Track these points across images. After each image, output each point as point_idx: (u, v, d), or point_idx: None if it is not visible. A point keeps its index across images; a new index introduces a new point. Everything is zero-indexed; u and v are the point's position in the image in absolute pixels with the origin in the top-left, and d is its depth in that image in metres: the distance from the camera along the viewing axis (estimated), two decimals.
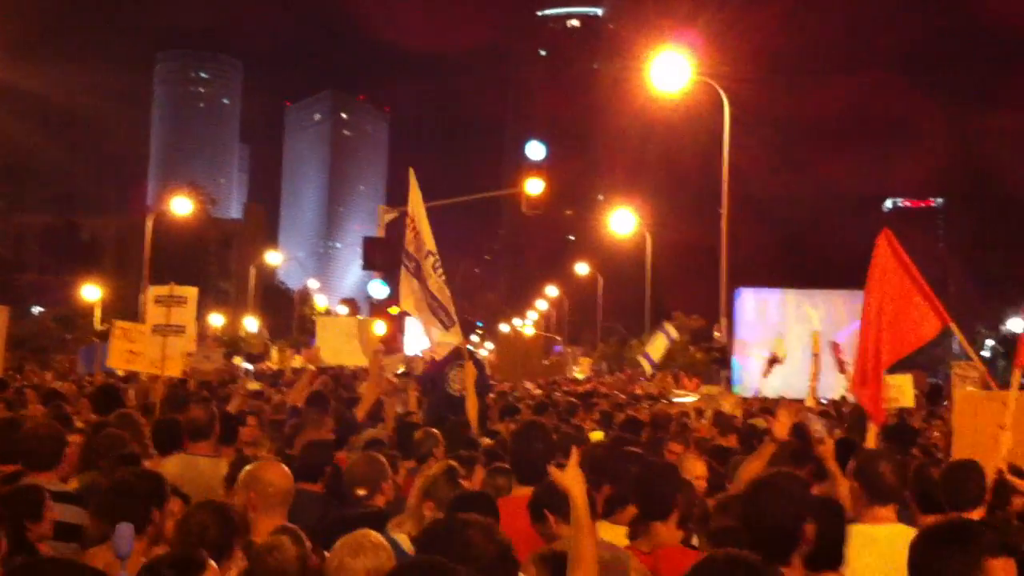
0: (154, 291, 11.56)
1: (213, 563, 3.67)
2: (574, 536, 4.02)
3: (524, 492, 5.39)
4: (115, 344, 11.46)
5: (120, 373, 17.37)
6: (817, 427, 6.35)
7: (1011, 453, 6.25)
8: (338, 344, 13.59)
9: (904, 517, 5.40)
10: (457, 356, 10.03)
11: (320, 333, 14.43)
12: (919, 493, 5.72)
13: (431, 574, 2.94)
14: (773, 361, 20.06)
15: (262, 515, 4.96)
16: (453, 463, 5.82)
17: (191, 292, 11.53)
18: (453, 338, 9.94)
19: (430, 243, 10.08)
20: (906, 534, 4.71)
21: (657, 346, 27.66)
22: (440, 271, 9.98)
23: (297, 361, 29.63)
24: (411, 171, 11.03)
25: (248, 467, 5.29)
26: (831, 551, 4.23)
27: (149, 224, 48.71)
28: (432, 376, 10.83)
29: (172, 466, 7.01)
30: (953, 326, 7.74)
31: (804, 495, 4.18)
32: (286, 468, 5.32)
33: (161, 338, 10.99)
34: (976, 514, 5.18)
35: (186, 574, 3.22)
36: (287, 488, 5.15)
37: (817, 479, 6.20)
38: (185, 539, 4.19)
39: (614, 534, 5.06)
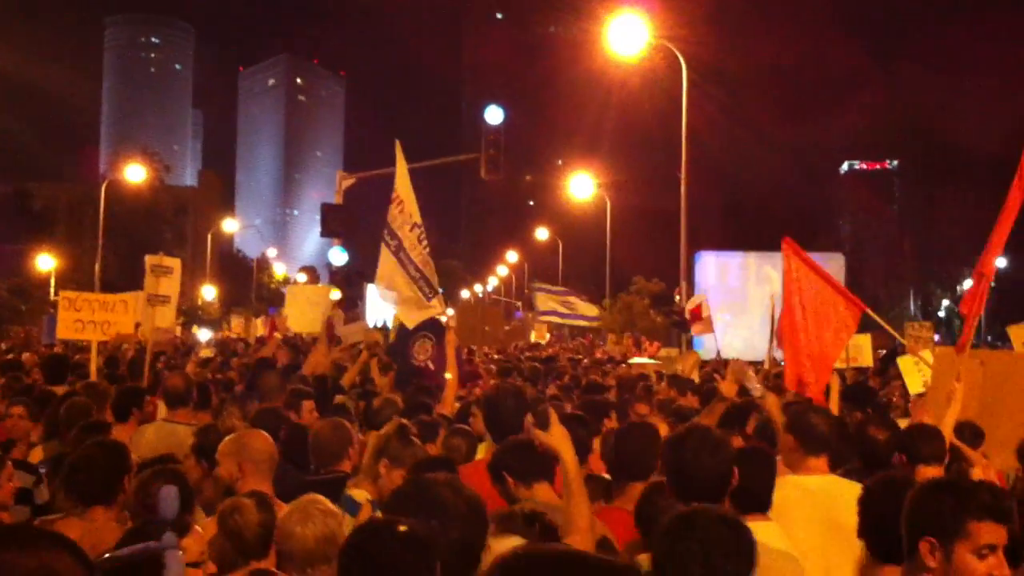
0: (148, 260, 11.90)
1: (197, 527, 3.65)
2: (566, 499, 3.97)
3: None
4: (62, 315, 11.30)
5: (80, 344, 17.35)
6: (754, 384, 6.50)
7: (971, 407, 6.39)
8: (305, 312, 13.72)
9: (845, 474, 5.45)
10: (422, 327, 10.00)
11: (289, 300, 14.59)
12: (861, 449, 5.79)
13: (406, 538, 2.84)
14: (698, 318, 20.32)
15: (250, 482, 4.94)
16: (404, 421, 5.80)
17: (175, 263, 11.96)
18: (434, 310, 9.89)
19: (416, 215, 10.03)
20: (838, 484, 5.05)
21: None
22: (425, 243, 9.93)
23: (260, 328, 29.40)
24: (398, 144, 10.94)
25: (232, 436, 5.28)
26: (759, 495, 4.47)
27: (103, 191, 48.03)
28: (397, 347, 10.86)
29: (150, 433, 7.16)
30: (869, 311, 8.08)
31: (726, 443, 4.43)
32: (268, 435, 5.30)
33: (151, 308, 11.46)
34: (933, 471, 5.22)
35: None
36: (273, 454, 5.17)
37: (760, 437, 6.34)
38: (146, 505, 4.14)
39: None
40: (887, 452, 5.58)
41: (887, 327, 8.48)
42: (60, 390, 9.12)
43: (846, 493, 4.57)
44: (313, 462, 6.09)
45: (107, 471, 4.79)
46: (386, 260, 10.00)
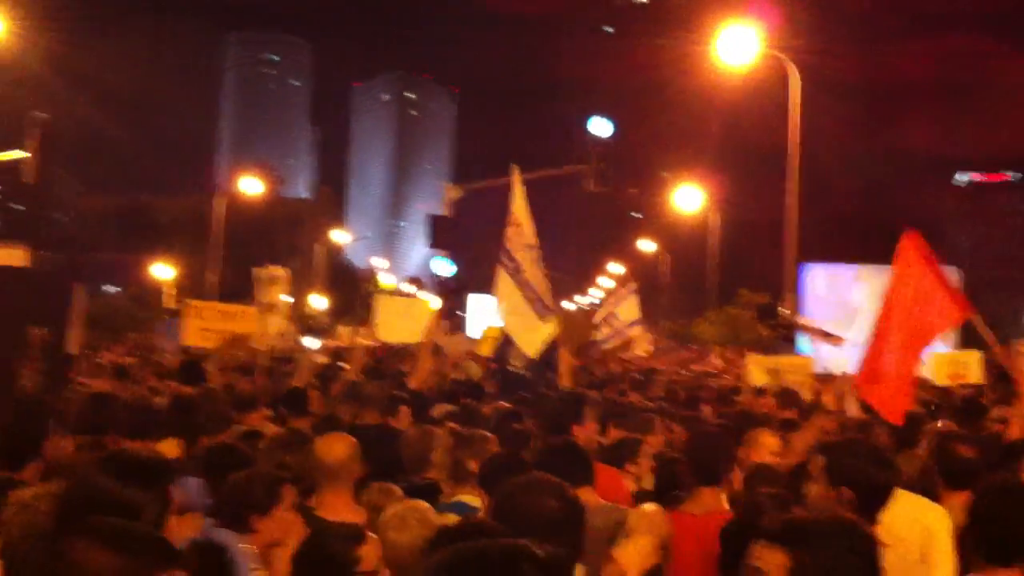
0: (256, 272, 12.74)
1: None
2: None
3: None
4: (188, 322, 11.73)
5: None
6: (852, 402, 6.39)
7: None
8: (395, 322, 13.88)
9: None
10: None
11: (378, 310, 14.76)
12: (942, 467, 5.47)
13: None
14: (827, 337, 19.84)
15: (326, 492, 4.93)
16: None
17: (281, 272, 12.83)
18: (549, 329, 9.88)
19: (533, 237, 10.12)
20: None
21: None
22: (542, 263, 10.07)
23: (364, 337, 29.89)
24: (515, 169, 11.09)
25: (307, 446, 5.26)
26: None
27: (220, 203, 49.40)
28: (500, 354, 10.98)
29: None
30: (976, 318, 7.75)
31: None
32: (345, 439, 5.22)
33: (262, 317, 12.19)
34: None
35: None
36: (346, 461, 5.03)
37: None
38: None
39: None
40: (971, 471, 5.24)
41: (984, 332, 8.12)
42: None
43: None
44: (405, 469, 6.11)
45: None
46: (504, 283, 10.04)
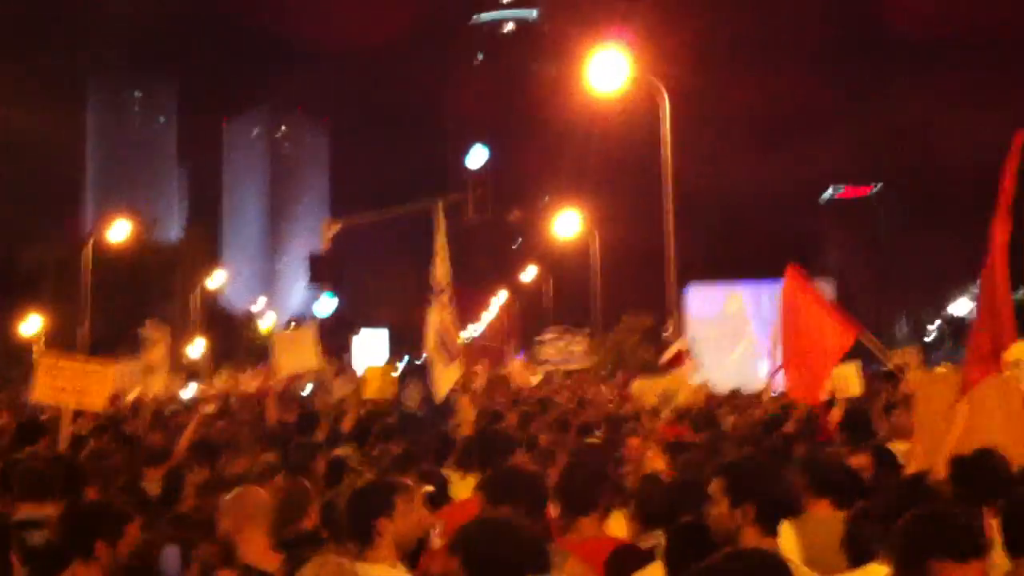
0: (142, 332, 13.18)
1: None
2: None
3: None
4: (41, 379, 10.96)
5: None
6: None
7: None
8: (293, 354, 13.83)
9: None
10: (411, 372, 10.28)
11: (276, 349, 14.70)
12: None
13: None
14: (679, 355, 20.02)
15: (247, 537, 5.10)
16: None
17: (163, 332, 13.05)
18: (455, 374, 9.94)
19: (446, 278, 10.17)
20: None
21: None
22: (451, 307, 10.07)
23: (245, 383, 29.03)
24: (439, 206, 11.39)
25: (232, 493, 5.40)
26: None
27: (87, 251, 47.82)
28: (400, 394, 11.20)
29: None
30: (864, 336, 8.23)
31: None
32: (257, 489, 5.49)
33: (144, 377, 12.68)
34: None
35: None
36: (266, 507, 5.27)
37: None
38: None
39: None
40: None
41: (878, 351, 8.41)
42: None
43: None
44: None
45: None
46: (431, 315, 10.08)
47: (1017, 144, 6.67)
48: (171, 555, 2.55)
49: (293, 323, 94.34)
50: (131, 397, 19.84)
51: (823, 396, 8.18)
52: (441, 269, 10.09)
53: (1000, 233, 6.53)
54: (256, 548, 5.09)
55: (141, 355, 12.75)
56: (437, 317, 9.96)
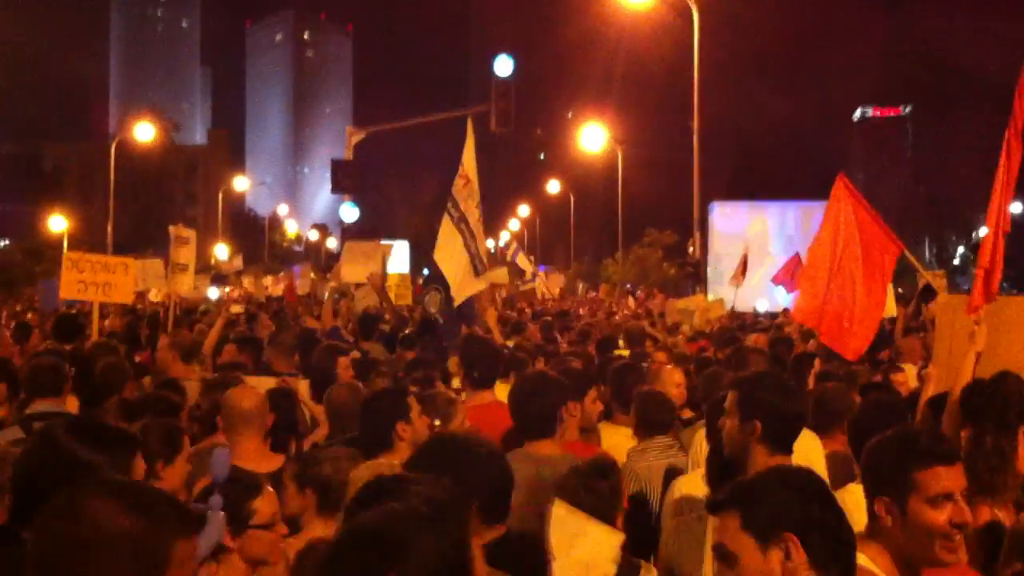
0: (172, 231, 13.24)
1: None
2: None
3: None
4: (66, 276, 11.26)
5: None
6: None
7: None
8: (358, 265, 14.74)
9: None
10: (432, 279, 10.31)
11: (345, 255, 15.77)
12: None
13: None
14: (744, 269, 20.00)
15: (235, 436, 5.14)
16: None
17: (191, 234, 13.24)
18: (481, 285, 10.15)
19: (478, 195, 10.26)
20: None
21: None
22: (481, 222, 10.20)
23: (272, 287, 29.31)
24: (469, 121, 11.14)
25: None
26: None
27: (112, 151, 47.89)
28: (418, 299, 11.34)
29: None
30: (907, 252, 7.91)
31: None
32: (255, 390, 5.52)
33: (173, 275, 12.95)
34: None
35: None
36: (255, 410, 5.24)
37: None
38: None
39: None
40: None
41: (921, 270, 8.25)
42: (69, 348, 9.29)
43: None
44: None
45: None
46: (447, 228, 10.09)
47: None
48: (221, 455, 2.62)
49: (316, 229, 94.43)
50: (156, 296, 20.17)
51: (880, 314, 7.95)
52: (475, 185, 10.16)
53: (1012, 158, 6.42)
54: (248, 448, 5.08)
55: (169, 254, 13.10)
56: (476, 230, 9.99)
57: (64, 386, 6.21)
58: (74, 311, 16.04)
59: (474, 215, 9.97)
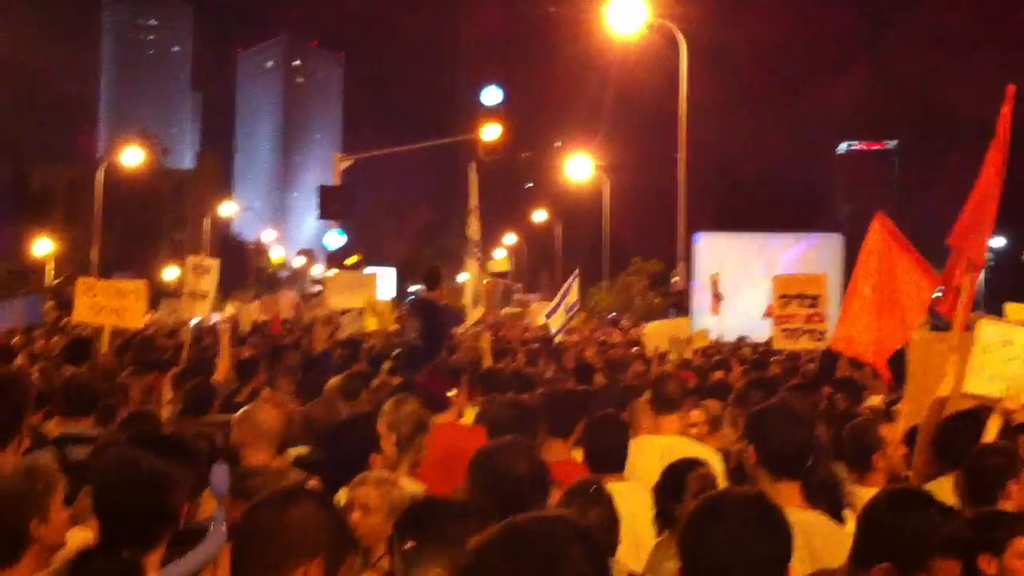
0: (190, 260, 13.66)
1: None
2: None
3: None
4: (79, 299, 11.64)
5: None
6: None
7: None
8: (344, 292, 15.06)
9: None
10: (412, 307, 10.80)
11: (331, 285, 16.26)
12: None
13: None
14: (717, 297, 20.08)
15: (252, 452, 5.24)
16: None
17: (214, 263, 13.45)
18: (478, 314, 11.47)
19: (477, 235, 11.86)
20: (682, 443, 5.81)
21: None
22: (479, 255, 11.91)
23: (256, 313, 29.27)
24: (472, 166, 12.43)
25: (245, 408, 5.59)
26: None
27: (100, 174, 47.89)
28: (404, 327, 11.85)
29: None
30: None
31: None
32: (275, 409, 5.61)
33: (190, 302, 13.22)
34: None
35: None
36: (276, 427, 5.38)
37: None
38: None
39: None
40: None
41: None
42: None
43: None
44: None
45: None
46: (472, 268, 11.72)
47: (1009, 97, 6.68)
48: (219, 472, 2.71)
49: (303, 255, 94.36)
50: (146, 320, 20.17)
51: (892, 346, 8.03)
52: (474, 226, 11.21)
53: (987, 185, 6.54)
54: (259, 462, 5.18)
55: (187, 282, 13.44)
56: (475, 270, 11.30)
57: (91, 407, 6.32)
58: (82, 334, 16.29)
59: (472, 252, 10.95)
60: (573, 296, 22.67)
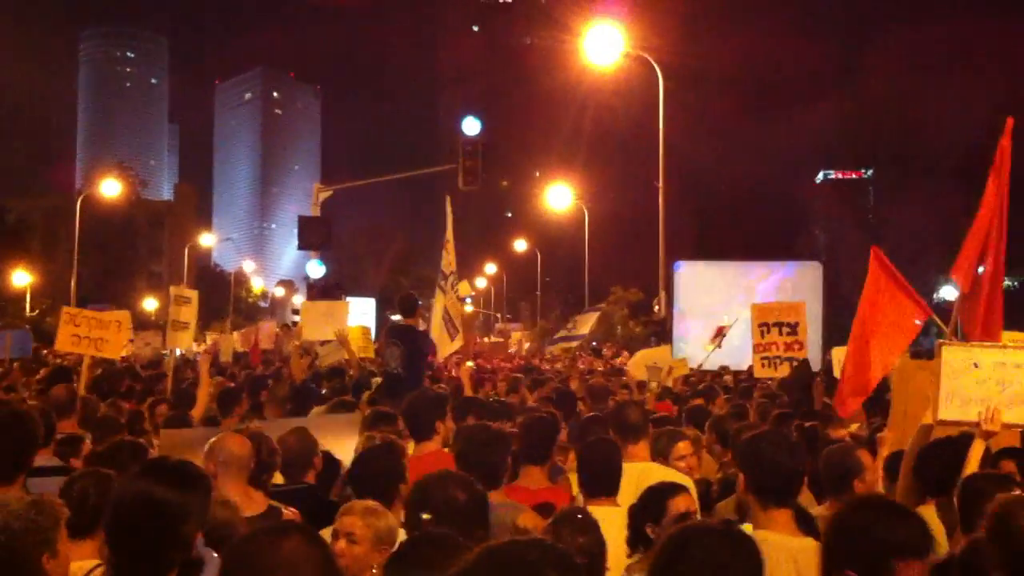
0: (172, 291, 14.02)
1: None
2: None
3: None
4: (63, 328, 11.82)
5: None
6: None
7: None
8: (318, 322, 14.93)
9: None
10: (389, 334, 10.82)
11: (304, 315, 16.02)
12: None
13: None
14: (719, 334, 20.02)
15: (222, 483, 5.13)
16: None
17: (193, 294, 13.86)
18: (457, 344, 11.76)
19: (454, 264, 11.87)
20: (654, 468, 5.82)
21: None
22: (456, 288, 11.88)
23: (237, 343, 29.16)
24: (448, 199, 12.80)
25: (215, 438, 5.54)
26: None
27: (78, 206, 47.67)
28: (383, 356, 12.02)
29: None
30: (934, 318, 8.00)
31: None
32: (244, 438, 5.58)
33: (172, 332, 13.52)
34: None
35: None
36: (246, 458, 5.37)
37: None
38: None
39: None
40: None
41: (948, 333, 8.35)
42: None
43: None
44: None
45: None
46: (439, 301, 11.62)
47: (1007, 130, 6.73)
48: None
49: (282, 286, 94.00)
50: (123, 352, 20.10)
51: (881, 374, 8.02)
52: (447, 259, 11.43)
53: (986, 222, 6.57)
54: (232, 493, 5.09)
55: (170, 313, 13.80)
56: (442, 303, 11.34)
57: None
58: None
59: (450, 281, 11.53)
60: (584, 327, 22.81)
